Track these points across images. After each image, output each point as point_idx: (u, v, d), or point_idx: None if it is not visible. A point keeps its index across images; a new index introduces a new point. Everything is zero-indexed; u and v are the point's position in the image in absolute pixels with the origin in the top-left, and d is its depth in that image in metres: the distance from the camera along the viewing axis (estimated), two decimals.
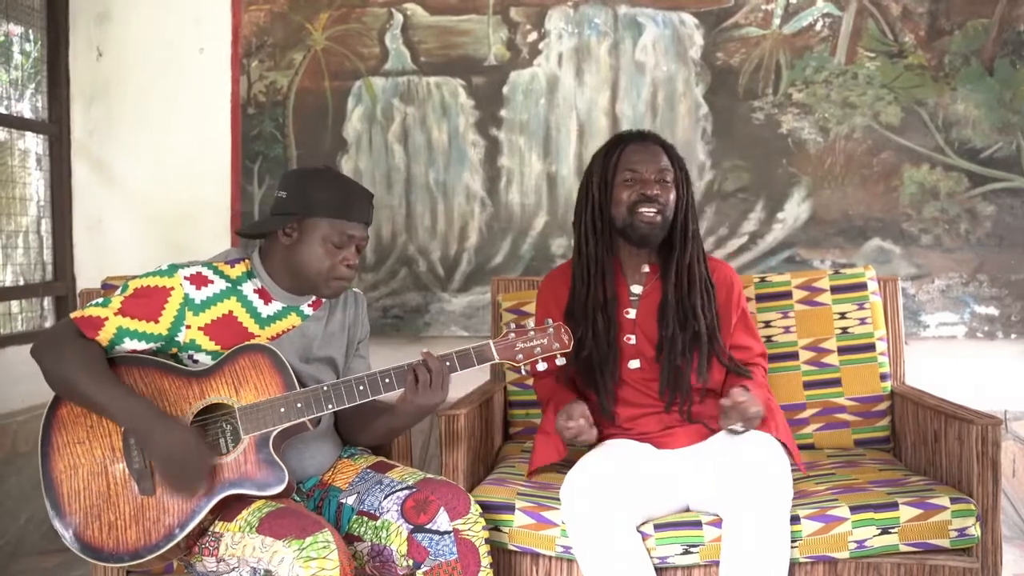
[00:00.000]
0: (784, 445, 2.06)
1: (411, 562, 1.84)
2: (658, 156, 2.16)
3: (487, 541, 1.87)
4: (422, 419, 2.01)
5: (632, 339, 2.17)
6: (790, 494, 1.91)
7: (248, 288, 1.93)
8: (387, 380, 1.85)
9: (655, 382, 2.15)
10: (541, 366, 1.90)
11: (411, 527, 1.83)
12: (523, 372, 1.93)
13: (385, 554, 1.86)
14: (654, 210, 2.12)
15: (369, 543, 1.88)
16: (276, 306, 1.94)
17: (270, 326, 1.92)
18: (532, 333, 1.89)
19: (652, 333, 2.16)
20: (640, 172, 2.14)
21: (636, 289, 2.21)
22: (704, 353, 2.12)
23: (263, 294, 1.93)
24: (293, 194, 1.91)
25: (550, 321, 1.92)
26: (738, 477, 1.90)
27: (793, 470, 2.01)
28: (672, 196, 2.15)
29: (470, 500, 1.88)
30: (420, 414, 1.93)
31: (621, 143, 2.20)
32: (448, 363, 1.86)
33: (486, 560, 1.84)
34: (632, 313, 2.19)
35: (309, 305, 1.98)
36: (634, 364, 2.16)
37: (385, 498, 1.88)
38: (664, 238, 2.17)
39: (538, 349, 1.89)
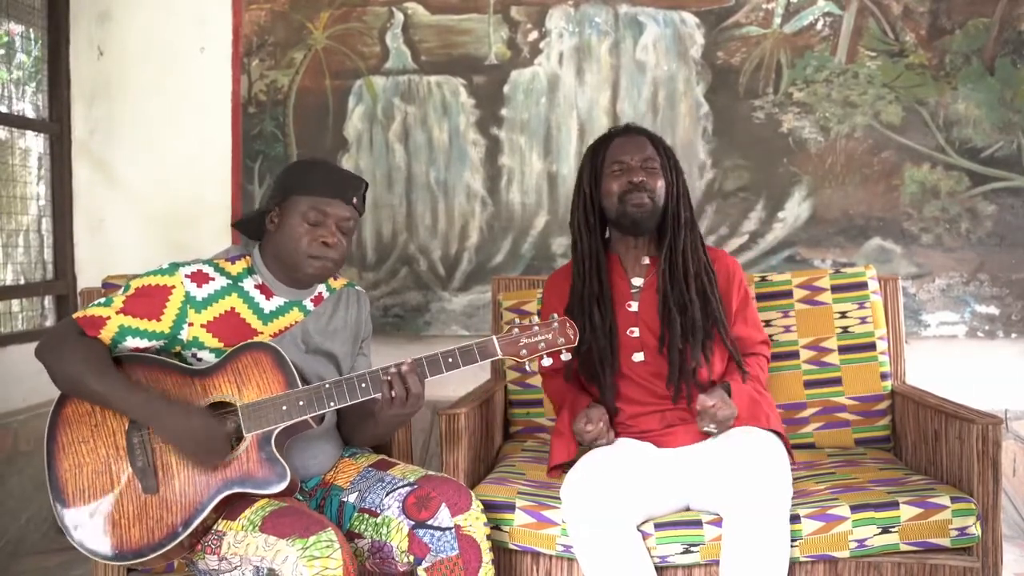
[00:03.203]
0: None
1: (411, 558, 1.84)
2: (643, 145, 2.21)
3: (488, 538, 1.87)
4: (400, 426, 2.10)
5: (635, 332, 2.19)
6: (790, 492, 1.92)
7: (249, 284, 1.93)
8: (388, 378, 1.85)
9: (659, 376, 2.15)
10: (546, 361, 1.90)
11: (412, 523, 1.83)
12: (528, 368, 1.93)
13: (385, 550, 1.86)
14: (643, 196, 2.15)
15: (369, 540, 1.88)
16: (278, 301, 1.95)
17: (273, 322, 1.93)
18: (536, 328, 1.89)
19: (655, 325, 2.18)
20: (626, 161, 2.18)
21: (637, 281, 2.23)
22: (698, 341, 2.13)
23: (264, 290, 1.94)
24: (278, 182, 1.96)
25: (555, 316, 1.92)
26: (738, 476, 1.90)
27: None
28: (660, 183, 2.18)
29: (471, 496, 1.88)
30: (397, 423, 1.96)
31: (608, 139, 2.25)
32: (450, 359, 1.85)
33: (487, 556, 1.84)
34: (634, 306, 2.21)
35: (311, 300, 1.99)
36: (638, 357, 2.17)
37: (386, 495, 1.88)
38: (660, 227, 2.21)
39: (542, 344, 1.88)
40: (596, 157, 2.23)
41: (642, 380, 2.17)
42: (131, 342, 1.84)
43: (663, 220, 2.20)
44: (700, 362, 2.13)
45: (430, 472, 1.94)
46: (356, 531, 1.89)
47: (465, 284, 3.18)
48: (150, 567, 1.94)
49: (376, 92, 3.18)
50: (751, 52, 3.07)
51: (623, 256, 2.26)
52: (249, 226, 2.00)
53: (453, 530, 1.82)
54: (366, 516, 1.89)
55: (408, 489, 1.87)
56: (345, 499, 1.93)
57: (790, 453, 2.08)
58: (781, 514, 1.88)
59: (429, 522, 1.82)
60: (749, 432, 2.05)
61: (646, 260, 2.24)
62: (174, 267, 1.89)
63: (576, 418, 2.11)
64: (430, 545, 1.82)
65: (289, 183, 1.92)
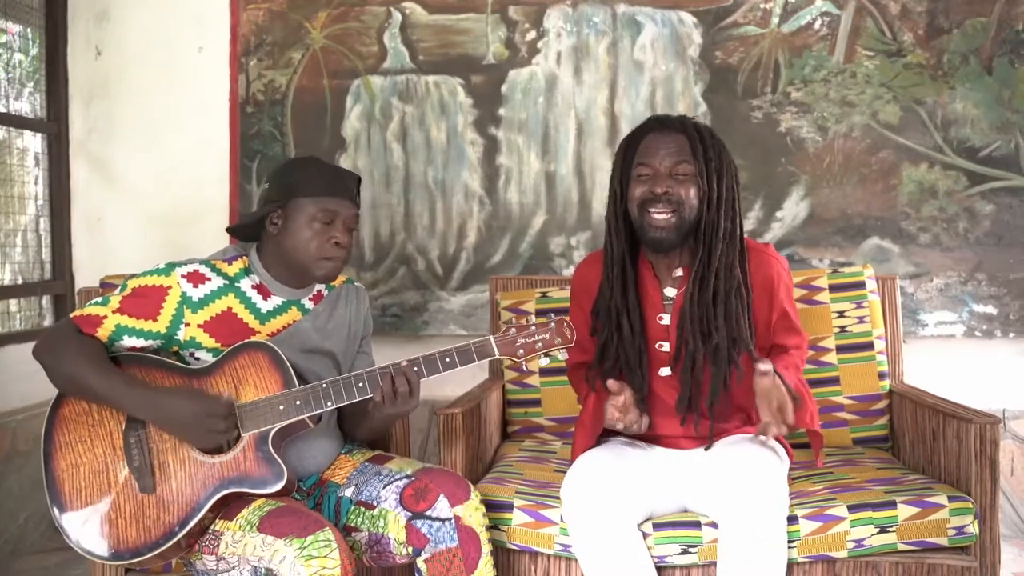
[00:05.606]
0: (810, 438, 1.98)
1: (410, 550, 1.84)
2: (676, 146, 1.94)
3: (488, 528, 1.87)
4: (395, 423, 2.13)
5: (665, 346, 2.03)
6: (786, 500, 1.89)
7: (246, 284, 1.93)
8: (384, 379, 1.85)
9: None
10: (544, 361, 1.90)
11: (409, 515, 1.84)
12: (525, 368, 1.93)
13: (383, 543, 1.86)
14: (666, 211, 1.92)
15: (366, 533, 1.88)
16: (275, 301, 1.95)
17: (270, 321, 1.93)
18: (533, 328, 1.89)
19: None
20: (653, 165, 1.94)
21: (670, 292, 2.04)
22: (720, 369, 1.95)
23: (261, 290, 1.94)
24: (275, 183, 1.93)
25: (552, 315, 1.91)
26: (734, 483, 1.86)
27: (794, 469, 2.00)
28: (692, 191, 1.93)
29: (470, 487, 1.88)
30: (391, 421, 2.00)
31: (643, 130, 2.00)
32: (448, 359, 1.85)
33: (487, 547, 1.85)
34: (666, 319, 2.03)
35: (310, 299, 1.99)
36: (664, 372, 2.03)
37: (384, 488, 1.88)
38: (696, 234, 1.97)
39: (540, 344, 1.88)
40: (627, 153, 1.98)
41: (666, 395, 2.04)
42: (128, 341, 1.84)
43: (698, 229, 1.95)
44: (719, 391, 1.96)
45: (428, 464, 1.94)
46: (352, 525, 1.90)
47: (463, 284, 3.17)
48: (147, 567, 1.94)
49: (374, 92, 3.18)
50: (749, 52, 3.07)
51: (655, 264, 2.04)
52: (245, 230, 1.98)
53: (452, 521, 1.82)
54: (362, 509, 1.89)
55: (406, 481, 1.88)
56: (342, 494, 1.93)
57: (818, 454, 1.99)
58: (778, 521, 1.85)
59: (427, 513, 1.83)
60: (747, 439, 2.01)
61: (679, 272, 2.03)
62: (170, 267, 1.89)
63: (606, 405, 1.94)
64: (429, 536, 1.82)
65: (289, 184, 1.89)
